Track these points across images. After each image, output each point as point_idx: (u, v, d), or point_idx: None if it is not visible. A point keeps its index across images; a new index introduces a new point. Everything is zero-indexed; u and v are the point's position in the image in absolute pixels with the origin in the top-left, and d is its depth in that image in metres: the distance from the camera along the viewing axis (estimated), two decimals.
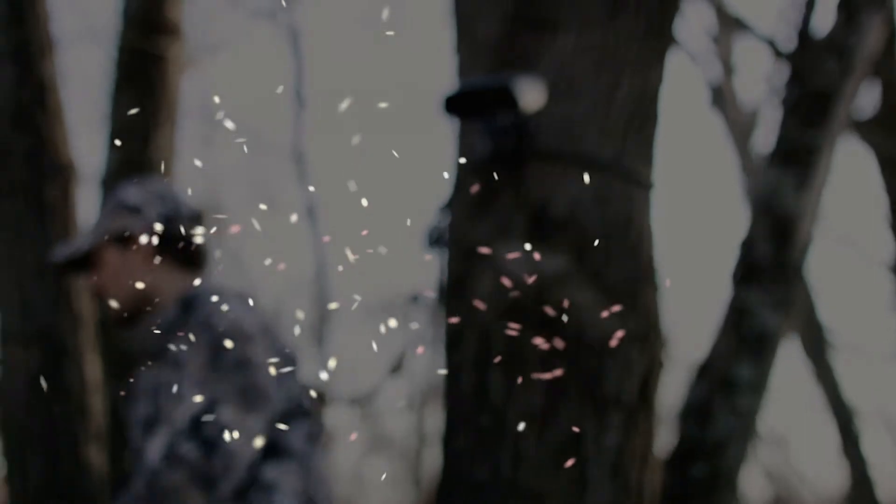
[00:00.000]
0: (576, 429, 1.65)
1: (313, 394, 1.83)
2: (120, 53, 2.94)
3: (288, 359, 1.69)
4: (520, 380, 1.66)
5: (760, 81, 8.29)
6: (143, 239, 1.73)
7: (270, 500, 1.64)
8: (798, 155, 2.28)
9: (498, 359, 1.68)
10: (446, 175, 1.80)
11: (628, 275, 1.73)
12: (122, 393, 2.23)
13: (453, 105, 1.74)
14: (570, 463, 1.63)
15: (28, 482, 2.35)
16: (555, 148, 1.73)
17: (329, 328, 7.80)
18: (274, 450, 1.66)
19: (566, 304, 1.66)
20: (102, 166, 2.92)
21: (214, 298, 1.68)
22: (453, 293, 1.77)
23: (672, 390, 4.76)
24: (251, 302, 1.72)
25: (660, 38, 1.81)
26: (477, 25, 1.83)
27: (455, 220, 1.81)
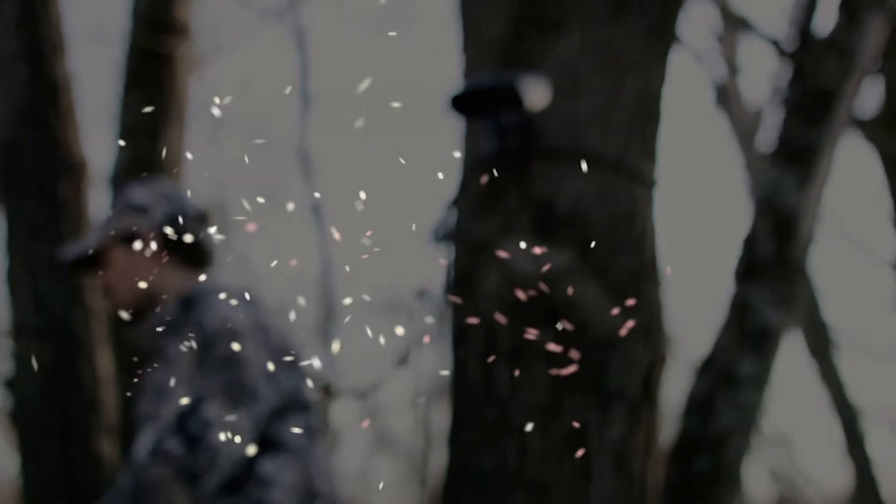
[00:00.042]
0: (580, 422, 1.67)
1: (316, 388, 1.85)
2: (129, 53, 2.97)
3: (285, 355, 1.71)
4: (525, 374, 1.69)
5: (765, 81, 8.30)
6: (150, 238, 1.76)
7: (268, 495, 1.66)
8: (800, 153, 2.30)
9: (503, 353, 1.71)
10: (447, 174, 1.83)
11: (631, 270, 1.75)
12: (129, 394, 2.26)
13: (460, 104, 1.76)
14: (576, 454, 1.65)
15: (41, 475, 2.38)
16: (559, 146, 1.75)
17: (335, 325, 7.82)
18: (270, 444, 1.68)
19: (570, 299, 1.69)
20: (111, 165, 2.95)
21: (211, 297, 1.71)
22: (459, 289, 1.80)
23: (676, 386, 4.78)
24: (255, 299, 1.75)
25: (662, 38, 1.83)
26: (483, 26, 1.85)
27: (461, 217, 1.84)
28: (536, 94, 1.71)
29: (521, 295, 1.67)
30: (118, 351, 2.52)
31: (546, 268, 1.69)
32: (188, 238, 1.75)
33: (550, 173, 1.75)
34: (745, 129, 6.00)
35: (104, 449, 2.40)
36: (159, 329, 1.73)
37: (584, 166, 1.71)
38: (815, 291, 5.51)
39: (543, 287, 1.67)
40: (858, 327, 10.36)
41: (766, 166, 2.39)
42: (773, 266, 2.27)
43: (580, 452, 1.66)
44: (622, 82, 1.78)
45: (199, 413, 1.61)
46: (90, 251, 1.82)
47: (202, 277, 1.77)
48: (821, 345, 5.52)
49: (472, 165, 1.83)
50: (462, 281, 1.79)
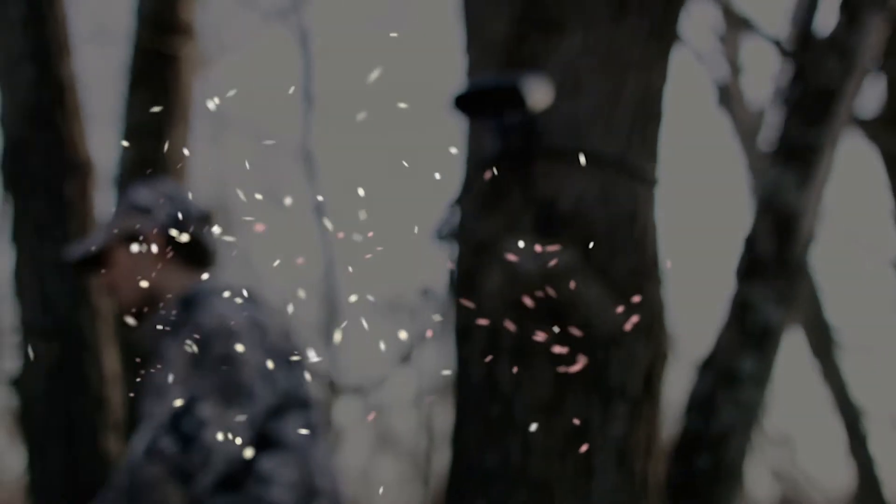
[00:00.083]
0: (582, 419, 1.68)
1: (319, 386, 1.87)
2: (134, 53, 2.98)
3: (284, 353, 1.72)
4: (528, 371, 1.70)
5: (767, 81, 8.30)
6: (153, 239, 1.78)
7: (267, 492, 1.68)
8: (800, 153, 2.31)
9: (506, 351, 1.72)
10: (449, 173, 1.84)
11: (633, 269, 1.76)
12: (132, 394, 2.28)
13: (463, 104, 1.77)
14: (579, 451, 1.66)
15: (47, 473, 2.39)
16: (561, 146, 1.77)
17: (338, 324, 7.84)
18: (269, 442, 1.70)
19: (573, 297, 1.70)
20: (116, 165, 2.97)
21: (210, 296, 1.72)
22: (463, 287, 1.81)
23: (678, 384, 4.79)
24: (256, 298, 1.76)
25: (664, 38, 1.84)
26: (486, 26, 1.86)
27: (464, 217, 1.85)
28: (539, 94, 1.72)
29: (523, 293, 1.68)
30: (124, 350, 2.54)
31: (548, 266, 1.71)
32: (191, 238, 1.77)
33: (552, 173, 1.76)
34: (747, 128, 6.01)
35: (110, 447, 2.41)
36: (160, 329, 1.74)
37: (585, 165, 1.72)
38: (817, 291, 5.51)
39: (546, 286, 1.68)
40: (861, 327, 10.35)
41: (767, 166, 2.40)
42: (773, 265, 2.28)
43: (583, 448, 1.67)
44: (624, 82, 1.80)
45: (193, 412, 1.62)
46: (94, 251, 1.84)
47: (205, 277, 1.79)
48: (823, 344, 5.53)
49: (475, 165, 1.84)
50: (465, 280, 1.80)
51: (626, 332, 1.71)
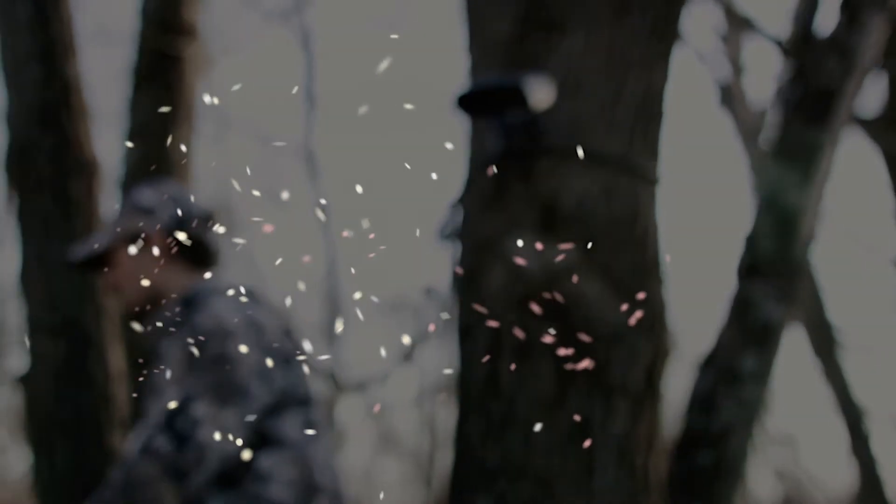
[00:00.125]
0: (584, 416, 1.69)
1: (320, 383, 1.88)
2: (138, 54, 3.00)
3: (282, 352, 1.73)
4: (530, 369, 1.72)
5: (769, 81, 8.31)
6: (156, 239, 1.80)
7: (265, 490, 1.69)
8: (801, 152, 2.33)
9: (509, 348, 1.74)
10: (452, 172, 1.86)
11: (634, 267, 1.78)
12: (135, 395, 2.30)
13: (465, 103, 1.79)
14: (581, 447, 1.68)
15: (54, 469, 2.41)
16: (563, 145, 1.78)
17: (341, 323, 7.85)
18: (267, 441, 1.71)
19: (574, 295, 1.71)
20: (120, 165, 2.98)
21: (209, 297, 1.73)
22: (465, 285, 1.83)
23: (679, 382, 4.80)
24: (256, 297, 1.77)
25: (665, 37, 1.86)
26: (488, 26, 1.88)
27: (467, 215, 1.87)
28: (541, 93, 1.74)
29: (525, 292, 1.69)
30: (129, 348, 2.55)
31: (550, 265, 1.72)
32: (193, 239, 1.79)
33: (554, 172, 1.78)
34: (749, 128, 6.02)
35: (116, 443, 2.43)
36: (160, 328, 1.76)
37: (587, 165, 1.73)
38: (819, 291, 5.52)
39: (548, 284, 1.69)
40: (863, 327, 10.36)
41: (768, 165, 2.41)
42: (774, 263, 2.29)
43: (585, 444, 1.69)
44: (625, 82, 1.81)
45: (187, 411, 1.64)
46: (98, 251, 1.86)
47: (207, 277, 1.80)
48: (825, 344, 5.53)
49: (478, 164, 1.86)
50: (468, 278, 1.82)
51: (627, 330, 1.72)
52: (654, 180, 1.84)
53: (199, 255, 1.83)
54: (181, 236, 1.77)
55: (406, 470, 8.92)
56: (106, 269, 1.86)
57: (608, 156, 1.79)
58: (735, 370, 2.26)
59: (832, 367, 5.47)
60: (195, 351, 1.66)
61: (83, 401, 2.43)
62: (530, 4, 1.83)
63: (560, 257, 1.71)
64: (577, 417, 1.69)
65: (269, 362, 1.69)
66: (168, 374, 1.67)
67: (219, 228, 1.68)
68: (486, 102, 1.77)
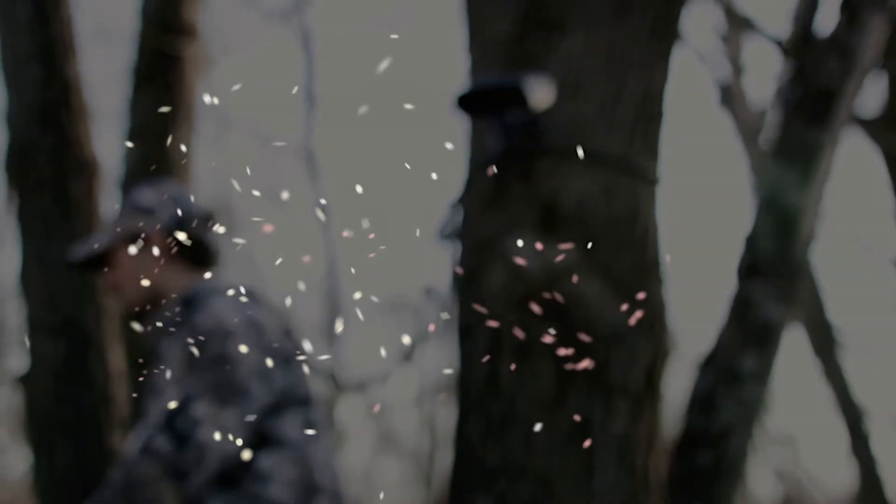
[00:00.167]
0: (584, 416, 1.70)
1: (321, 384, 1.87)
2: (138, 54, 3.00)
3: (282, 352, 1.74)
4: (530, 368, 1.72)
5: (769, 81, 8.31)
6: (155, 239, 1.80)
7: (265, 489, 1.69)
8: (801, 152, 2.33)
9: (509, 348, 1.74)
10: (452, 172, 1.86)
11: (634, 267, 1.78)
12: (135, 395, 2.30)
13: (466, 103, 1.79)
14: (581, 447, 1.68)
15: (54, 469, 2.42)
16: (563, 145, 1.78)
17: (341, 323, 7.86)
18: (266, 441, 1.71)
19: (574, 295, 1.72)
20: (120, 165, 2.99)
21: (209, 297, 1.74)
22: (466, 285, 1.83)
23: (679, 382, 4.80)
24: (256, 297, 1.78)
25: (665, 37, 1.86)
26: (488, 27, 1.88)
27: (467, 215, 1.87)
28: (541, 93, 1.74)
29: (526, 291, 1.69)
30: (130, 347, 2.56)
31: (550, 265, 1.72)
32: (193, 239, 1.79)
33: (554, 172, 1.78)
34: (749, 128, 6.02)
35: (116, 443, 2.44)
36: (160, 328, 1.76)
37: (586, 165, 1.73)
38: (819, 291, 5.52)
39: (548, 284, 1.69)
40: (863, 327, 10.37)
41: (767, 165, 2.42)
42: (774, 263, 2.30)
43: (585, 444, 1.69)
44: (625, 82, 1.81)
45: (187, 412, 1.64)
46: (98, 252, 1.86)
47: (207, 277, 1.81)
48: (825, 344, 5.53)
49: (478, 164, 1.86)
50: (468, 278, 1.82)
51: (627, 330, 1.72)
52: (654, 180, 1.84)
53: (199, 255, 1.83)
54: (181, 236, 1.78)
55: (406, 470, 8.93)
56: (106, 269, 1.86)
57: (608, 156, 1.79)
58: (735, 370, 2.26)
59: (832, 367, 5.47)
60: (195, 351, 1.66)
61: (83, 401, 2.43)
62: (530, 4, 1.83)
63: (560, 257, 1.72)
64: (577, 417, 1.69)
65: (269, 362, 1.69)
66: (168, 374, 1.68)
67: (219, 228, 1.68)
68: (487, 102, 1.77)
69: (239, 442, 1.67)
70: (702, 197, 12.04)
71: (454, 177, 1.90)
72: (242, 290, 1.75)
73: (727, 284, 2.36)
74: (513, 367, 1.72)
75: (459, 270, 1.84)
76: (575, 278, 1.71)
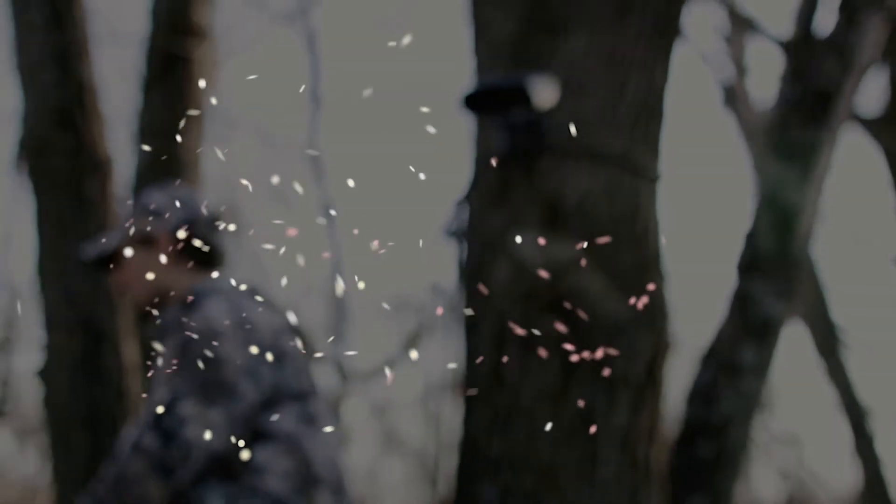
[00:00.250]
0: (586, 407, 1.73)
1: (326, 379, 1.88)
2: (149, 55, 3.04)
3: (273, 350, 1.76)
4: (534, 361, 1.75)
5: (772, 81, 8.31)
6: (164, 241, 1.84)
7: (261, 481, 1.73)
8: (799, 151, 2.36)
9: (513, 341, 1.77)
10: (458, 170, 1.89)
11: (635, 262, 1.81)
12: (144, 395, 2.33)
13: (471, 103, 1.83)
14: (584, 438, 1.71)
15: (71, 461, 2.46)
16: (566, 143, 1.82)
17: (345, 321, 7.89)
18: (261, 435, 1.75)
19: (577, 289, 1.75)
20: (131, 165, 3.02)
21: (206, 297, 1.77)
22: (472, 280, 1.86)
23: (680, 375, 4.81)
24: (259, 296, 1.81)
25: (665, 37, 1.89)
26: (493, 28, 1.92)
27: (473, 212, 1.91)
28: (545, 93, 1.78)
29: (530, 286, 1.73)
30: (143, 343, 2.60)
31: (554, 260, 1.76)
32: (200, 240, 1.82)
33: (557, 169, 1.81)
34: (752, 128, 6.04)
35: None
36: (161, 328, 1.80)
37: (589, 163, 1.77)
38: (822, 290, 5.53)
39: (552, 278, 1.73)
40: (866, 326, 10.34)
41: (767, 163, 2.45)
42: (773, 259, 2.33)
43: (591, 430, 1.72)
44: (626, 81, 1.85)
45: (174, 410, 1.68)
46: (108, 252, 1.91)
47: (213, 276, 1.84)
48: (828, 343, 5.52)
49: (483, 162, 1.90)
50: (473, 273, 1.86)
51: (628, 324, 1.76)
52: (655, 178, 1.87)
53: (207, 255, 1.86)
54: (189, 238, 1.81)
55: (410, 470, 8.94)
56: (114, 269, 1.90)
57: (610, 154, 1.82)
58: (735, 363, 2.29)
59: (836, 367, 5.47)
60: (184, 351, 1.70)
61: (99, 394, 2.47)
62: (534, 6, 1.87)
63: (563, 253, 1.75)
64: (579, 408, 1.72)
65: (259, 360, 1.73)
66: (162, 372, 1.72)
67: (226, 229, 1.71)
68: (492, 102, 1.81)
69: (228, 439, 1.71)
70: (705, 195, 12.05)
71: (460, 175, 1.93)
72: (243, 288, 1.78)
73: (728, 280, 2.40)
74: (518, 359, 1.75)
75: (465, 266, 1.87)
76: (578, 273, 1.74)
